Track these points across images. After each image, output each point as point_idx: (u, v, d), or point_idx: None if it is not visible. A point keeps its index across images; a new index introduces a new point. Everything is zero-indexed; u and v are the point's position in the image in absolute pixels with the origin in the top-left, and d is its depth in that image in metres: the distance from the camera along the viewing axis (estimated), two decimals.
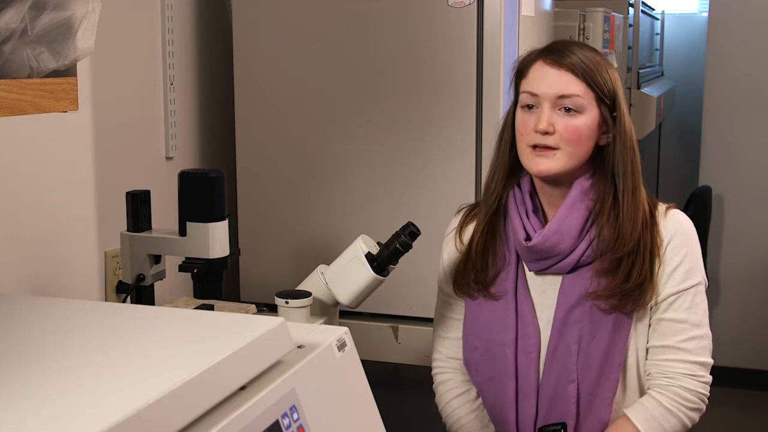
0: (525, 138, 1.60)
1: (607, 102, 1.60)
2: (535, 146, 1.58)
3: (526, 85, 1.61)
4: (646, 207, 1.63)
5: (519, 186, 1.67)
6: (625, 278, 1.58)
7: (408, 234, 1.68)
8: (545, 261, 1.63)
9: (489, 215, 1.69)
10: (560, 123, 1.57)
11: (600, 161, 1.63)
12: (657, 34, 4.90)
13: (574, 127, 1.57)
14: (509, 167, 1.67)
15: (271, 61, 2.23)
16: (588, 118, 1.58)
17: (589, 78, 1.58)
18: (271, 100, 2.25)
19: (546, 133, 1.56)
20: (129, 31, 2.07)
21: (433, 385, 1.80)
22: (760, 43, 4.10)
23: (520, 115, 1.62)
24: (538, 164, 1.58)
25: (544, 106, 1.57)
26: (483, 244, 1.69)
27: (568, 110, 1.57)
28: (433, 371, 1.80)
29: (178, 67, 2.23)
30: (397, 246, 1.68)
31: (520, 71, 1.64)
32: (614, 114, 1.61)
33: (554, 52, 1.60)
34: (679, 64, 5.30)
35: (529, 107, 1.60)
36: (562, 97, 1.57)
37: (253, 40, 2.25)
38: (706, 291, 1.67)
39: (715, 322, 4.20)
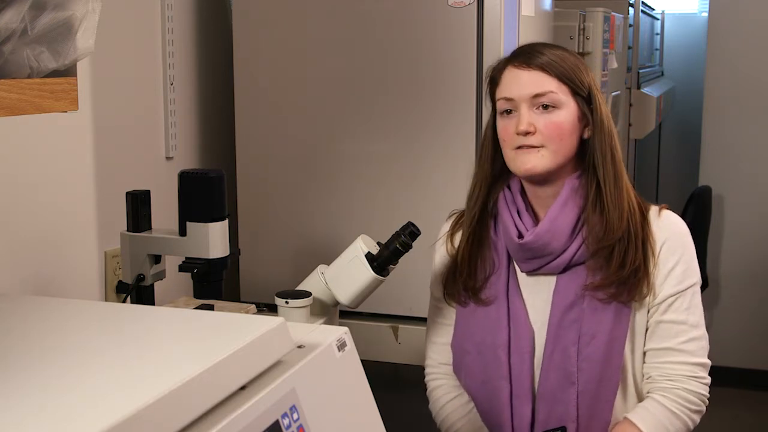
0: (508, 143, 1.60)
1: (582, 95, 1.60)
2: (519, 147, 1.58)
3: (501, 92, 1.61)
4: (631, 195, 1.62)
5: (509, 187, 1.67)
6: (620, 265, 1.57)
7: (408, 234, 1.68)
8: (537, 260, 1.63)
9: (473, 225, 1.68)
10: (540, 121, 1.57)
11: (584, 157, 1.63)
12: (657, 34, 4.90)
13: (554, 124, 1.57)
14: (491, 178, 1.67)
15: (271, 61, 2.23)
16: (567, 113, 1.58)
17: (561, 74, 1.57)
18: (271, 100, 2.24)
19: (528, 133, 1.56)
20: (129, 31, 2.07)
21: (427, 392, 1.79)
22: (760, 43, 4.10)
23: (500, 122, 1.62)
24: (525, 163, 1.58)
25: (521, 108, 1.57)
26: (469, 253, 1.68)
27: (545, 107, 1.57)
28: (426, 378, 1.79)
29: (178, 67, 2.23)
30: (397, 246, 1.68)
31: (492, 79, 1.65)
32: (591, 106, 1.61)
33: (522, 55, 1.61)
34: (679, 64, 5.30)
35: (508, 112, 1.60)
36: (537, 96, 1.57)
37: (253, 40, 2.25)
38: (704, 291, 1.66)
39: (715, 322, 4.20)
